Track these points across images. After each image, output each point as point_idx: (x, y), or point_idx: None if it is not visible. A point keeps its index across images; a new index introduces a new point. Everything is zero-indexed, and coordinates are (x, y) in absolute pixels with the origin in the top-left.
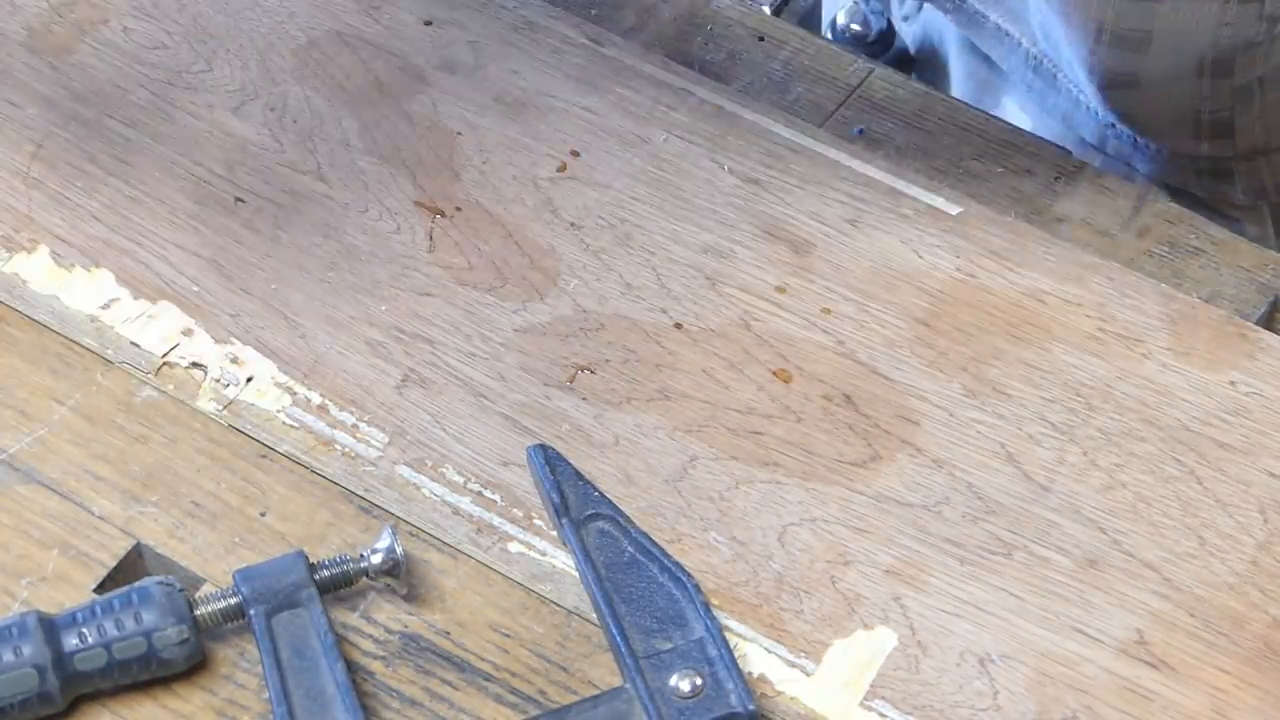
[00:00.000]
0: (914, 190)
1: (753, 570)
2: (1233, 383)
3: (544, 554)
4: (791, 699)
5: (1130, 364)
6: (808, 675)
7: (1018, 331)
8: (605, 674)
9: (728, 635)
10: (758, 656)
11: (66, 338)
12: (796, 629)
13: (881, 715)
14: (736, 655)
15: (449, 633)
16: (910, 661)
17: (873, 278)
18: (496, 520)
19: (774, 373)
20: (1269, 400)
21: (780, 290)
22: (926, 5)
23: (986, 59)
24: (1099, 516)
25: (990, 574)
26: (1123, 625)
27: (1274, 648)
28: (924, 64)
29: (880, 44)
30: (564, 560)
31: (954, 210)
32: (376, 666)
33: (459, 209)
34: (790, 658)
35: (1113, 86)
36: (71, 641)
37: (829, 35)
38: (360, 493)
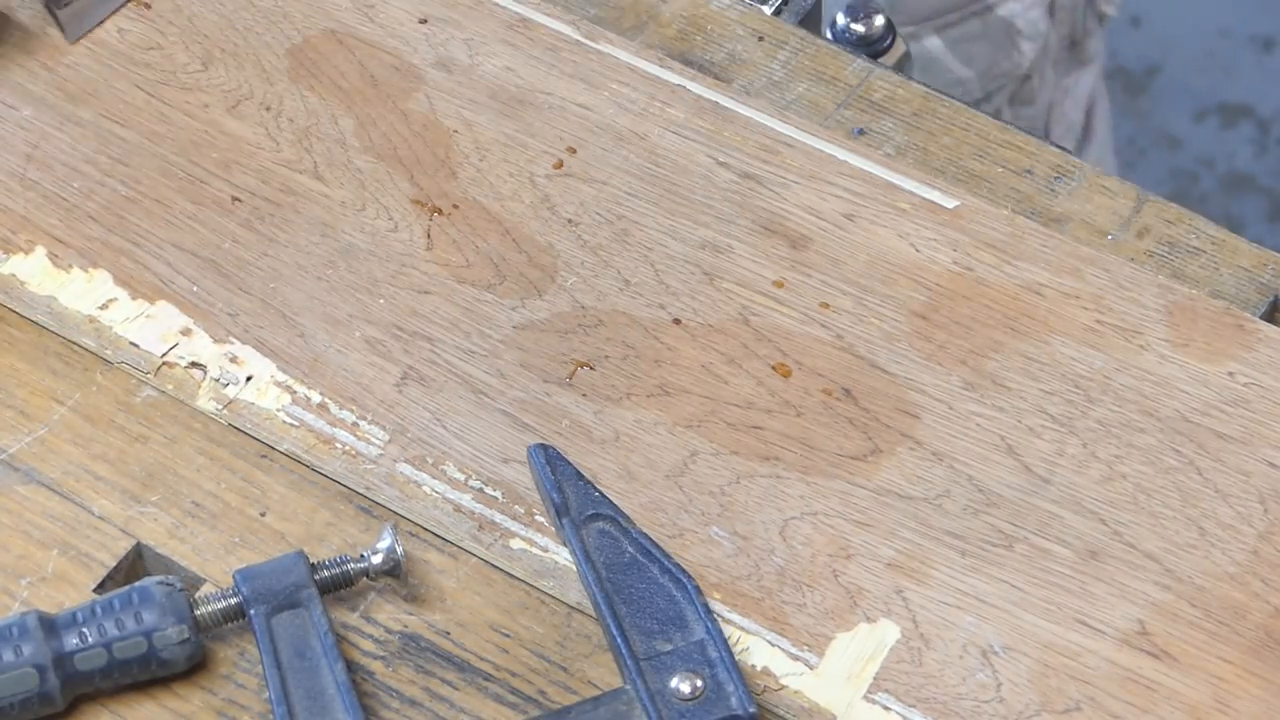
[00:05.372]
0: (910, 184)
1: (755, 564)
2: (1231, 373)
3: (546, 550)
4: (795, 693)
5: (1128, 355)
6: (811, 669)
7: (1016, 324)
8: (605, 674)
9: (730, 629)
10: (761, 650)
11: (65, 338)
12: (799, 622)
13: (885, 708)
14: (739, 649)
15: (449, 633)
16: (913, 654)
17: (870, 272)
18: (498, 517)
19: (773, 367)
20: (1267, 390)
21: (778, 285)
22: None
23: None
24: (1099, 508)
25: (992, 566)
26: (1124, 616)
27: (1276, 637)
28: None
29: (880, 44)
30: (565, 556)
31: (951, 204)
32: (376, 666)
33: (456, 207)
34: (794, 651)
35: None
36: (72, 641)
37: (829, 35)
38: (361, 490)
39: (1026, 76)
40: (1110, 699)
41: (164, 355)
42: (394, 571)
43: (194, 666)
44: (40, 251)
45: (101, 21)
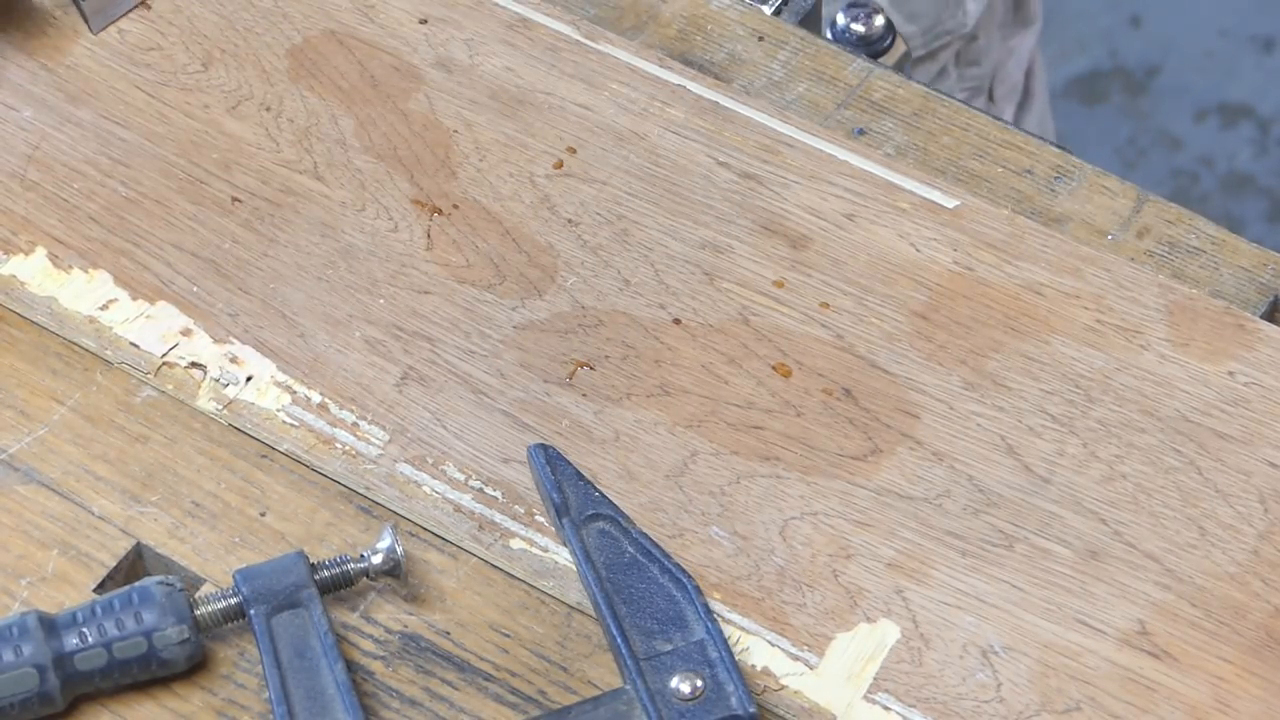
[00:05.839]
0: (910, 184)
1: (755, 564)
2: (1231, 373)
3: (546, 550)
4: (795, 693)
5: (1129, 355)
6: (811, 668)
7: (1016, 324)
8: (605, 674)
9: (730, 629)
10: (761, 650)
11: (65, 339)
12: (799, 622)
13: (885, 708)
14: (739, 649)
15: (449, 633)
16: (913, 654)
17: (870, 271)
18: (498, 517)
19: (773, 367)
20: (1268, 390)
21: (778, 285)
22: None
23: None
24: (1100, 508)
25: (992, 566)
26: (1125, 616)
27: (1276, 637)
28: None
29: (880, 44)
30: (565, 556)
31: (951, 203)
32: (376, 666)
33: (456, 207)
34: (794, 651)
35: None
36: (72, 641)
37: (829, 35)
38: (361, 491)
39: (973, 36)
40: (1110, 699)
41: (164, 355)
42: (394, 571)
43: (194, 666)
44: (40, 252)
45: (123, 15)
